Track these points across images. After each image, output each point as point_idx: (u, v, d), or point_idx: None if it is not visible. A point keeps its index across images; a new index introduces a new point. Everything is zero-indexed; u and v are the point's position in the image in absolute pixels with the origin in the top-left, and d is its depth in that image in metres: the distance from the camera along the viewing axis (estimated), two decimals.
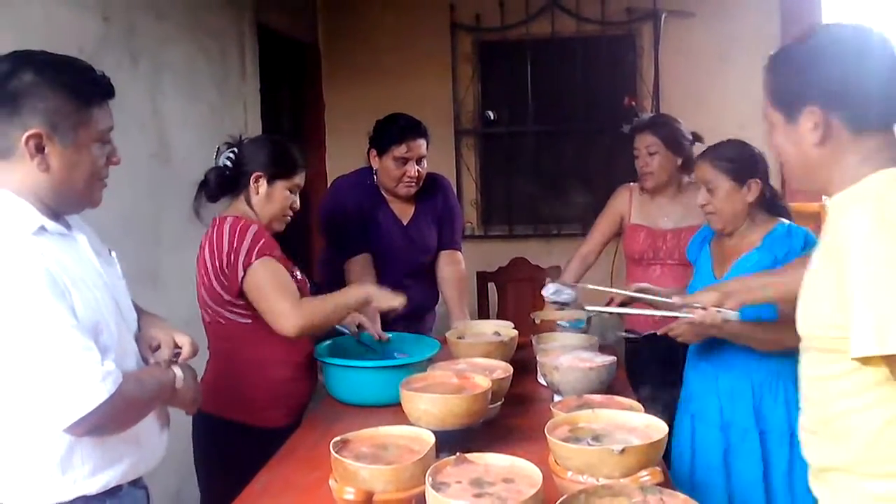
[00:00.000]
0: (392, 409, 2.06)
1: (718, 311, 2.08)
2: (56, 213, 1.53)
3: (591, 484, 1.41)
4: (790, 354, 1.56)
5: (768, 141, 1.49)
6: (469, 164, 5.35)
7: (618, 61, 5.20)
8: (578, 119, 5.23)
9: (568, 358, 2.24)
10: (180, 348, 1.71)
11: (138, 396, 1.52)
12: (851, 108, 1.34)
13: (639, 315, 2.47)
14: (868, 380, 1.28)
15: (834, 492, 1.38)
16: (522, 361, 2.51)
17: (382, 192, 3.07)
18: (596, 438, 1.58)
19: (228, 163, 2.32)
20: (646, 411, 1.71)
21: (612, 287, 2.61)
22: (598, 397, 1.88)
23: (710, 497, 2.36)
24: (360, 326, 2.57)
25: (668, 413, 2.61)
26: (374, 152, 3.01)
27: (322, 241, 3.28)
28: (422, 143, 2.96)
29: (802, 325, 1.41)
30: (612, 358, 2.22)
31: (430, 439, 1.57)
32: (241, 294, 2.22)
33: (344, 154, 4.70)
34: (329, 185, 3.36)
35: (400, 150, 2.92)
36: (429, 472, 1.37)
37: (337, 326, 2.50)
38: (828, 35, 1.39)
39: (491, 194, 5.45)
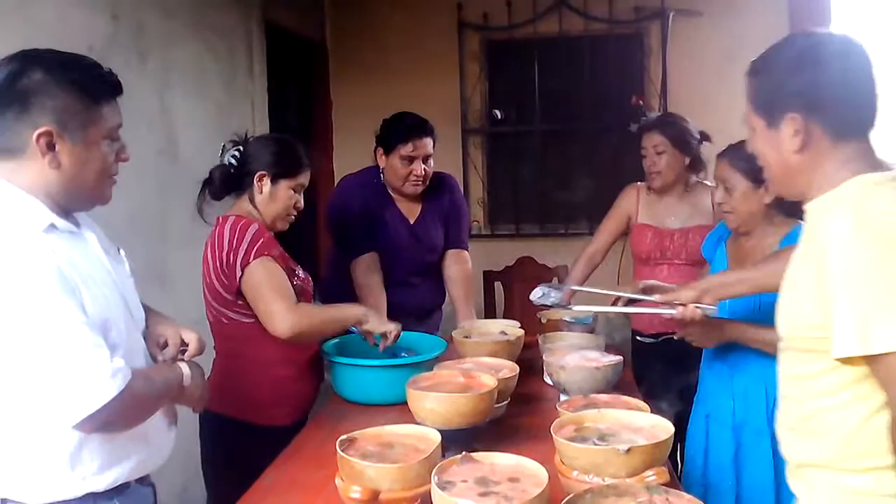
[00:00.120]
0: (398, 408, 2.06)
1: (697, 307, 2.14)
2: (66, 211, 1.54)
3: (596, 483, 1.41)
4: None
5: (749, 145, 1.52)
6: (476, 162, 5.35)
7: (625, 60, 5.19)
8: (586, 118, 5.23)
9: (574, 357, 2.24)
10: (187, 345, 1.72)
11: (147, 393, 1.53)
12: (831, 116, 1.37)
13: (625, 313, 2.50)
14: (846, 378, 1.32)
15: (812, 488, 1.42)
16: (529, 361, 2.51)
17: (389, 191, 3.07)
18: (602, 438, 1.57)
19: (233, 161, 2.32)
20: (656, 411, 1.71)
21: (617, 287, 2.61)
22: (604, 397, 1.88)
23: (721, 497, 2.37)
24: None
25: (680, 414, 2.62)
26: (380, 151, 3.01)
27: (329, 240, 3.28)
28: (428, 141, 2.96)
29: (782, 325, 1.45)
30: (618, 358, 2.22)
31: (437, 438, 1.57)
32: (240, 294, 2.22)
33: (351, 152, 4.71)
34: (336, 183, 3.36)
35: (406, 149, 2.92)
36: (435, 470, 1.37)
37: None
38: (808, 43, 1.41)
39: (498, 193, 5.45)
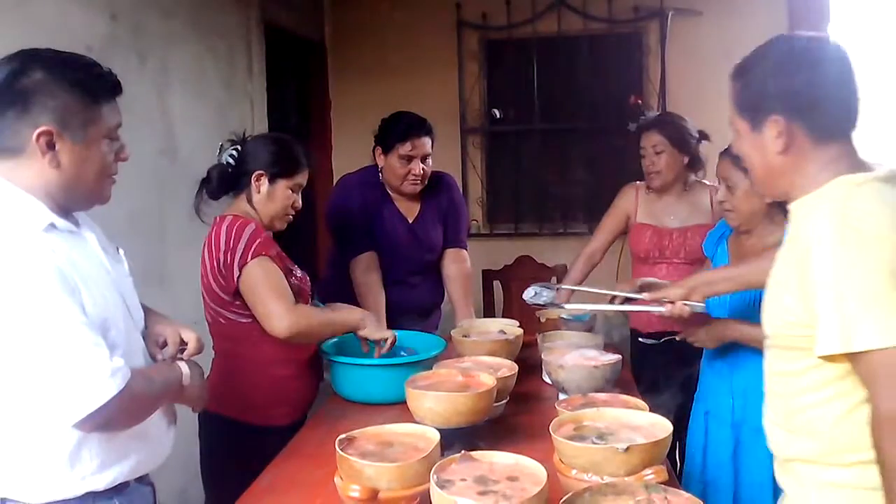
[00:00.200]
0: (397, 407, 2.06)
1: (686, 304, 2.21)
2: (65, 211, 1.54)
3: (595, 482, 1.41)
4: None
5: (734, 147, 1.54)
6: (475, 161, 5.35)
7: (624, 60, 5.20)
8: (584, 117, 5.23)
9: (573, 356, 2.24)
10: (186, 344, 1.72)
11: (147, 393, 1.53)
12: (813, 118, 1.40)
13: (618, 311, 2.53)
14: (828, 375, 1.36)
15: (799, 482, 1.45)
16: (527, 360, 2.51)
17: (388, 190, 3.07)
18: (601, 437, 1.58)
19: (231, 160, 2.31)
20: (655, 410, 1.72)
21: (611, 286, 2.62)
22: (602, 396, 1.88)
23: (719, 494, 2.39)
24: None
25: (680, 413, 2.63)
26: (379, 150, 3.01)
27: (329, 239, 3.29)
28: (426, 140, 2.96)
29: (767, 323, 1.49)
30: (617, 356, 2.22)
31: (436, 437, 1.57)
32: (237, 294, 2.21)
33: (350, 152, 4.71)
34: (335, 182, 3.36)
35: (405, 148, 2.92)
36: (434, 469, 1.37)
37: None
38: (790, 46, 1.44)
39: (497, 192, 5.45)
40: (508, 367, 2.12)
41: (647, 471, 1.45)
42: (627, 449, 1.45)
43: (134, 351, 1.59)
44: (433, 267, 3.19)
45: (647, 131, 3.11)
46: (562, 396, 2.10)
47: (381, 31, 5.28)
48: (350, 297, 2.85)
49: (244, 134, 2.38)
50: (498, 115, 5.34)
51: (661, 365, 2.92)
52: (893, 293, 1.24)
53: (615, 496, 1.29)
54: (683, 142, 3.07)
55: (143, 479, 1.65)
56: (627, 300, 2.41)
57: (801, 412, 1.42)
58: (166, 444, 1.71)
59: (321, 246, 4.86)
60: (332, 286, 2.99)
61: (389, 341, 2.40)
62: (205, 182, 2.31)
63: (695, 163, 3.11)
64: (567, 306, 2.54)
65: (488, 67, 5.35)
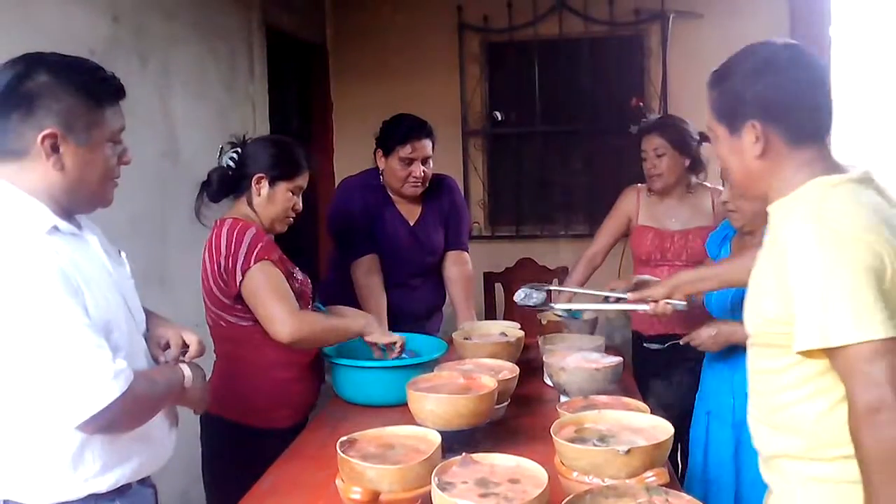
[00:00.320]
0: (399, 410, 2.06)
1: (668, 303, 2.27)
2: (68, 213, 1.54)
3: (596, 484, 1.41)
4: None
5: (714, 152, 1.60)
6: (476, 164, 5.35)
7: (625, 62, 5.20)
8: (586, 120, 5.23)
9: (574, 359, 2.24)
10: (188, 347, 1.73)
11: (149, 395, 1.53)
12: (788, 123, 1.45)
13: (608, 310, 2.61)
14: (808, 372, 1.40)
15: (784, 478, 1.49)
16: (529, 362, 2.51)
17: (389, 193, 3.07)
18: (602, 439, 1.58)
19: (231, 163, 2.31)
20: (657, 411, 1.72)
21: (602, 286, 2.65)
22: (604, 398, 1.88)
23: (721, 493, 2.40)
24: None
25: (681, 415, 2.63)
26: (380, 153, 3.01)
27: (330, 241, 3.29)
28: (427, 143, 2.96)
29: (749, 322, 1.54)
30: (618, 359, 2.22)
31: (437, 439, 1.57)
32: (238, 297, 2.21)
33: (351, 154, 4.71)
34: (336, 185, 3.36)
35: (405, 151, 2.93)
36: (435, 472, 1.38)
37: None
38: (764, 53, 1.49)
39: (498, 195, 5.45)
40: (510, 370, 2.12)
41: (649, 473, 1.45)
42: (629, 451, 1.45)
43: (136, 353, 1.59)
44: (434, 269, 3.19)
45: (648, 134, 3.11)
46: (563, 399, 2.10)
47: (383, 33, 5.28)
48: (351, 299, 2.85)
49: (244, 136, 2.38)
50: (499, 118, 5.34)
51: (663, 367, 2.92)
52: (868, 290, 1.28)
53: (616, 498, 1.29)
54: (685, 144, 3.07)
55: (144, 481, 1.65)
56: (619, 300, 2.43)
57: (783, 409, 1.46)
58: (168, 447, 1.71)
59: (322, 249, 4.86)
60: (333, 289, 2.99)
61: (399, 344, 2.41)
62: (205, 185, 2.31)
63: (696, 165, 3.11)
64: (556, 306, 2.55)
65: (490, 70, 5.36)
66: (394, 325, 2.75)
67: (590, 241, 3.33)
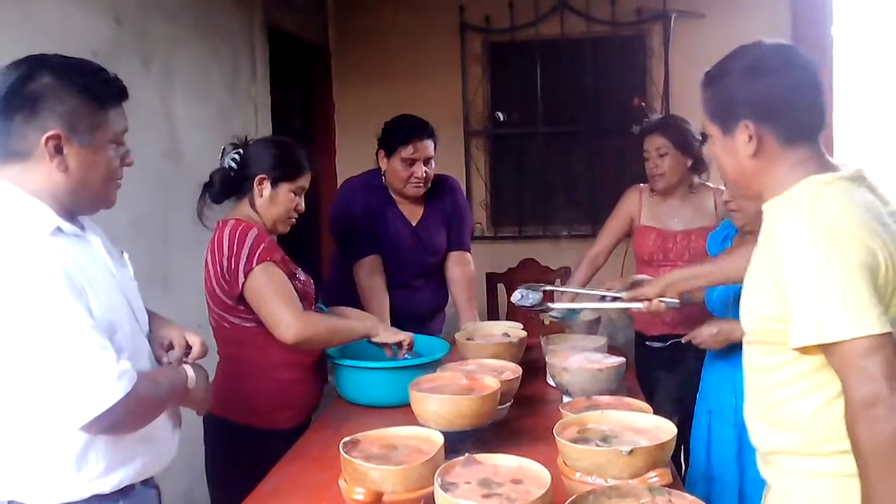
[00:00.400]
0: (401, 410, 2.06)
1: (661, 301, 2.31)
2: (71, 215, 1.55)
3: (599, 485, 1.41)
4: None
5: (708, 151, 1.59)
6: (479, 164, 5.35)
7: (627, 62, 5.19)
8: (588, 120, 5.22)
9: (577, 359, 2.24)
10: (191, 348, 1.73)
11: (153, 396, 1.53)
12: (781, 122, 1.47)
13: (606, 309, 2.64)
14: (804, 368, 1.42)
15: (782, 474, 1.51)
16: (531, 362, 2.51)
17: (391, 194, 3.07)
18: (604, 439, 1.58)
19: (233, 164, 2.31)
20: (660, 411, 1.72)
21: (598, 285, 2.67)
22: (606, 398, 1.89)
23: (725, 491, 2.40)
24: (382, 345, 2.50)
25: (683, 413, 2.63)
26: (382, 153, 3.01)
27: (332, 242, 3.29)
28: (429, 143, 2.96)
29: (745, 320, 1.56)
30: (621, 359, 2.22)
31: (440, 440, 1.57)
32: (241, 299, 2.21)
33: (354, 155, 4.71)
34: (339, 186, 3.36)
35: (407, 151, 2.93)
36: (438, 472, 1.38)
37: None
38: (756, 54, 1.51)
39: (500, 195, 5.44)
40: (512, 370, 2.12)
41: (651, 473, 1.45)
42: (631, 452, 1.45)
43: (139, 354, 1.59)
44: (437, 270, 3.19)
45: (650, 134, 3.10)
46: (566, 399, 2.10)
47: (385, 34, 5.28)
48: (354, 300, 2.85)
49: (246, 137, 2.38)
50: (501, 118, 5.33)
51: (665, 365, 2.92)
52: (863, 286, 1.31)
53: (619, 499, 1.29)
54: (687, 144, 3.07)
55: (148, 482, 1.65)
56: (616, 300, 2.43)
57: (779, 406, 1.48)
58: (171, 447, 1.71)
59: (325, 249, 4.86)
60: (336, 290, 2.99)
61: (407, 342, 2.41)
62: (207, 186, 2.31)
63: (698, 165, 3.11)
64: (553, 305, 2.56)
65: (491, 70, 5.35)
66: (396, 326, 2.73)
67: (592, 241, 3.32)
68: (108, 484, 1.52)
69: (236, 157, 2.31)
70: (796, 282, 1.36)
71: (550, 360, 2.27)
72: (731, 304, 2.39)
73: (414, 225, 3.09)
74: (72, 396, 1.39)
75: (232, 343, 2.30)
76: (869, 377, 1.28)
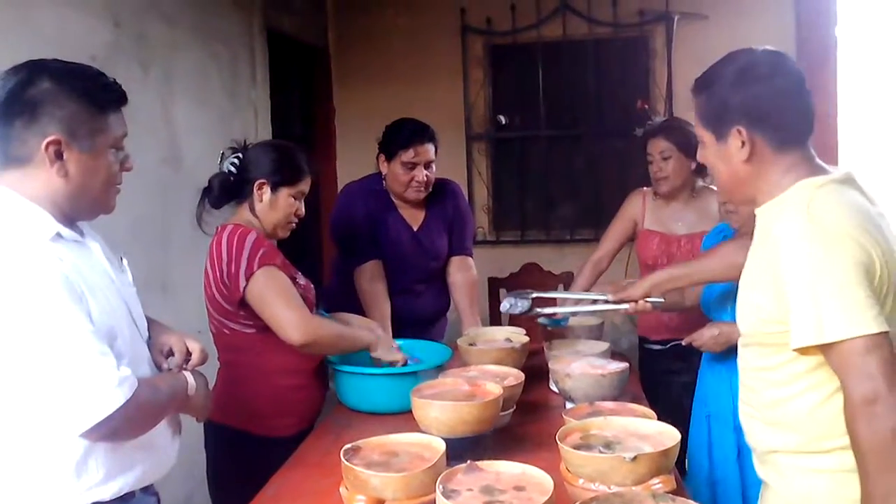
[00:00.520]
0: (403, 417, 2.05)
1: (647, 301, 2.34)
2: (70, 221, 1.54)
3: (602, 492, 1.40)
4: None
5: (700, 157, 1.64)
6: (480, 168, 5.34)
7: (630, 64, 5.18)
8: (590, 123, 5.21)
9: (580, 364, 2.23)
10: (191, 354, 1.72)
11: (153, 402, 1.53)
12: (772, 128, 1.50)
13: (591, 312, 2.66)
14: (801, 368, 1.45)
15: (780, 472, 1.54)
16: (534, 368, 2.50)
17: (392, 198, 3.06)
18: (608, 446, 1.57)
19: (232, 168, 2.29)
20: (662, 416, 1.71)
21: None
22: (610, 404, 1.87)
23: (728, 493, 2.40)
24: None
25: (681, 417, 2.62)
26: (382, 157, 3.00)
27: (334, 247, 3.28)
28: (429, 147, 2.95)
29: (742, 322, 1.58)
30: (624, 365, 2.21)
31: (441, 447, 1.56)
32: (242, 304, 2.19)
33: (354, 159, 4.69)
34: (339, 190, 3.35)
35: (407, 155, 2.92)
36: (440, 479, 1.37)
37: None
38: (746, 60, 1.54)
39: (503, 199, 5.43)
40: (515, 376, 2.11)
41: (655, 480, 1.44)
42: (635, 458, 1.44)
43: (139, 360, 1.59)
44: (438, 275, 3.18)
45: (653, 137, 3.09)
46: (569, 405, 2.09)
47: (386, 37, 5.27)
48: (355, 305, 2.84)
49: (245, 141, 2.37)
50: (503, 122, 5.32)
51: (665, 368, 2.91)
52: (860, 286, 1.34)
53: None
54: (690, 147, 3.03)
55: (148, 489, 1.64)
56: (607, 302, 2.44)
57: (777, 405, 1.51)
58: (171, 454, 1.70)
59: (326, 254, 4.85)
60: (336, 295, 2.99)
61: (400, 363, 2.39)
62: (207, 191, 2.30)
63: (702, 168, 3.08)
64: (541, 310, 2.55)
65: (493, 73, 5.34)
66: (398, 331, 2.74)
67: (595, 245, 3.31)
68: (108, 491, 1.51)
69: (235, 161, 2.30)
70: (794, 283, 1.39)
71: (553, 365, 2.26)
72: (729, 309, 2.38)
73: (415, 229, 3.08)
74: (72, 403, 1.39)
75: (232, 349, 2.29)
76: (868, 376, 1.31)
